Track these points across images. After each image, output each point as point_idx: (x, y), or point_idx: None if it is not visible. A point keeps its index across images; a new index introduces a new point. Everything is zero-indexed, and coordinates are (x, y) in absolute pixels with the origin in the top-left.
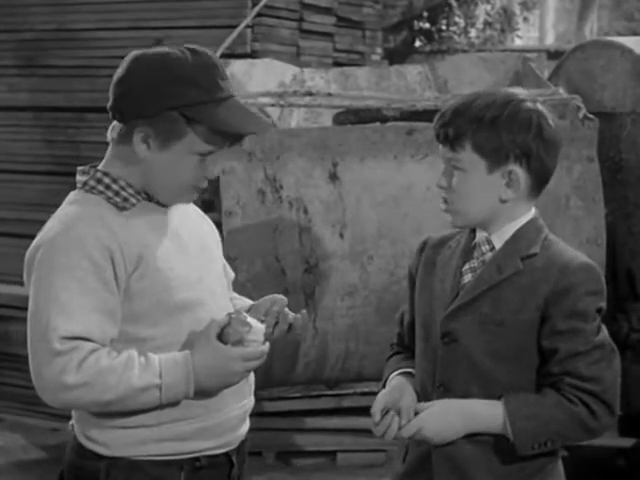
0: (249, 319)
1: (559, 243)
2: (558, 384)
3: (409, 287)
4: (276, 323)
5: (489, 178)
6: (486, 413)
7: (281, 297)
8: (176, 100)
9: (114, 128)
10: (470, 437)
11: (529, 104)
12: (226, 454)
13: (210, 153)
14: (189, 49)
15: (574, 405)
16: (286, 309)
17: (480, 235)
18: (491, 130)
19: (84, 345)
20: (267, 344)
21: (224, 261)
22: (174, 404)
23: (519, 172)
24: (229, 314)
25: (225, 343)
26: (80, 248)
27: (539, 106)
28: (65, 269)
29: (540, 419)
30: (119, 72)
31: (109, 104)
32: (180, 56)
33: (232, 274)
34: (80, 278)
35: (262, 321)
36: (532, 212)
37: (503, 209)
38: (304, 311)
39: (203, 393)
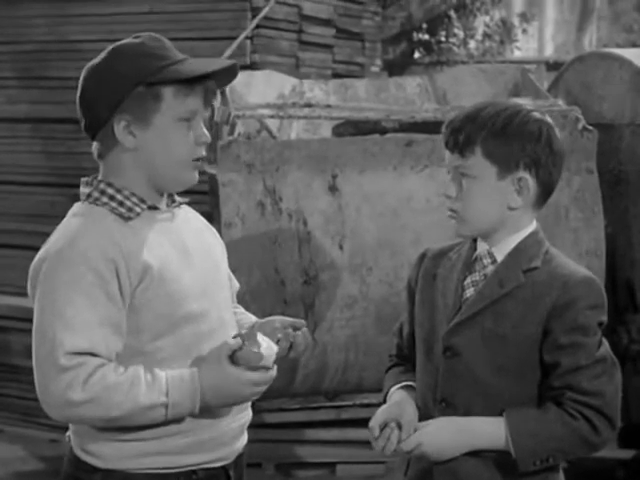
0: (263, 343)
1: (560, 256)
2: (559, 398)
3: (408, 299)
4: (277, 341)
5: (499, 184)
6: (488, 431)
7: (285, 318)
8: (136, 74)
9: (94, 146)
10: (471, 452)
11: (538, 115)
12: (223, 467)
13: (192, 115)
14: (133, 37)
15: (575, 420)
16: (289, 329)
17: (481, 248)
18: (501, 137)
19: (90, 361)
20: (275, 367)
21: (229, 272)
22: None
23: (529, 179)
24: (242, 335)
25: (236, 364)
26: (85, 261)
27: (548, 118)
28: (70, 283)
29: (542, 436)
30: (78, 92)
31: (82, 126)
32: (128, 41)
33: (237, 285)
34: (85, 292)
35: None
36: (533, 225)
37: (510, 217)
38: (305, 329)
39: (208, 410)
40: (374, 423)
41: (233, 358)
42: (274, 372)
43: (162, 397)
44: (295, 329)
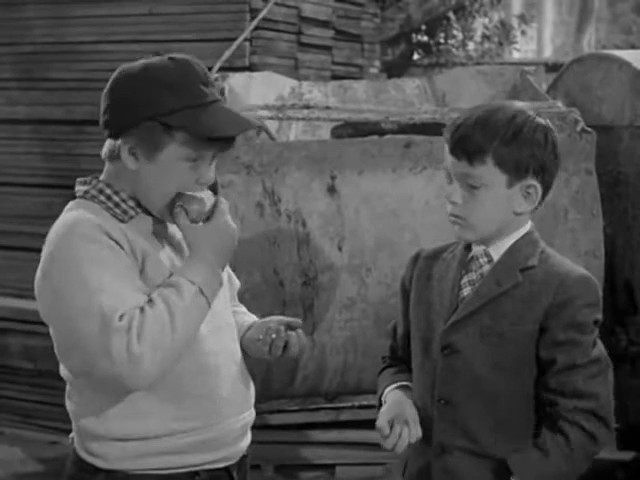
0: (194, 192)
1: (556, 256)
2: (554, 410)
3: (402, 300)
4: (272, 341)
5: (508, 192)
6: None
7: (282, 318)
8: (152, 109)
9: (106, 146)
10: (471, 450)
11: (543, 121)
12: (226, 468)
13: (199, 158)
14: (170, 57)
15: (575, 443)
16: (282, 327)
17: (477, 247)
18: (513, 145)
19: (133, 314)
20: (219, 197)
21: (229, 271)
22: (170, 418)
23: (537, 186)
24: (176, 203)
25: (197, 221)
26: (95, 240)
27: (549, 122)
28: (90, 262)
29: (548, 475)
30: (106, 87)
31: (100, 121)
32: (159, 64)
33: (237, 283)
34: (107, 266)
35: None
36: (528, 225)
37: (513, 221)
38: (300, 330)
39: (210, 408)
40: (382, 422)
41: (191, 221)
42: (222, 199)
43: (193, 287)
44: (291, 329)
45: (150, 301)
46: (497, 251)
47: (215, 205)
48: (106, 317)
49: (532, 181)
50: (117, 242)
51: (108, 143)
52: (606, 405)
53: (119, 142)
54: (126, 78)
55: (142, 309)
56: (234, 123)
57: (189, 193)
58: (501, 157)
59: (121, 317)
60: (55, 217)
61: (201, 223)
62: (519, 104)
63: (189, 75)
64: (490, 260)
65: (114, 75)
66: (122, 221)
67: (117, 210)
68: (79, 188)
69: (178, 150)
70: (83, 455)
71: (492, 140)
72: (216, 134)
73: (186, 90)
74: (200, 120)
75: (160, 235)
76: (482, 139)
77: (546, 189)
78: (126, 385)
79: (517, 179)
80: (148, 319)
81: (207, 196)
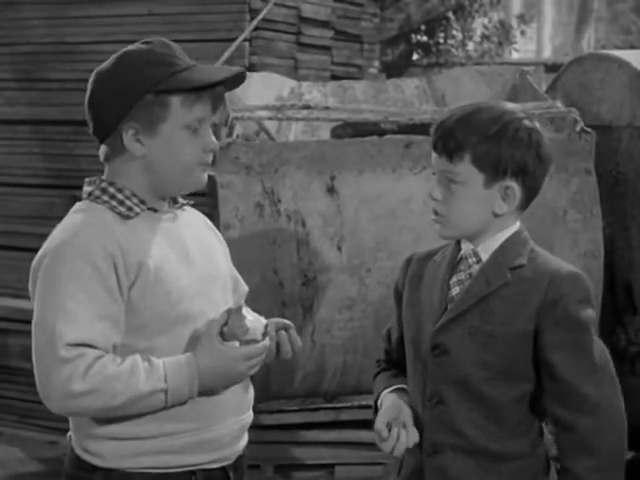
0: (248, 316)
1: (545, 254)
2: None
3: (395, 303)
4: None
5: (485, 192)
6: None
7: (275, 320)
8: (143, 84)
9: (102, 148)
10: (463, 449)
11: (528, 122)
12: (222, 469)
13: (199, 123)
14: (143, 42)
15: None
16: (272, 327)
17: (466, 247)
18: (492, 144)
19: (89, 352)
20: (267, 338)
21: (236, 275)
22: (169, 418)
23: (515, 187)
24: (228, 311)
25: (226, 340)
26: (85, 256)
27: (537, 124)
28: (70, 277)
29: None
30: (86, 95)
31: (90, 129)
32: (135, 48)
33: (244, 289)
34: (85, 286)
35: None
36: (517, 225)
37: (494, 222)
38: (292, 331)
39: (209, 410)
40: (380, 425)
41: (222, 334)
42: (266, 342)
43: (161, 383)
44: (285, 330)
45: (122, 360)
46: (486, 251)
47: (253, 340)
48: (54, 340)
49: (510, 182)
50: (112, 255)
51: (102, 147)
52: (614, 412)
53: (118, 136)
54: (107, 72)
55: (101, 356)
56: (220, 71)
57: (244, 312)
58: (479, 155)
59: (68, 347)
60: (55, 217)
61: (236, 343)
62: (509, 105)
63: (167, 49)
64: (479, 260)
65: (90, 81)
66: (127, 217)
67: (122, 208)
68: (85, 189)
69: (178, 116)
70: (80, 453)
71: (471, 136)
72: (207, 81)
73: (167, 61)
74: (189, 78)
75: (165, 233)
76: (462, 135)
77: (530, 191)
78: (44, 400)
79: (495, 179)
80: (106, 369)
81: (255, 326)
